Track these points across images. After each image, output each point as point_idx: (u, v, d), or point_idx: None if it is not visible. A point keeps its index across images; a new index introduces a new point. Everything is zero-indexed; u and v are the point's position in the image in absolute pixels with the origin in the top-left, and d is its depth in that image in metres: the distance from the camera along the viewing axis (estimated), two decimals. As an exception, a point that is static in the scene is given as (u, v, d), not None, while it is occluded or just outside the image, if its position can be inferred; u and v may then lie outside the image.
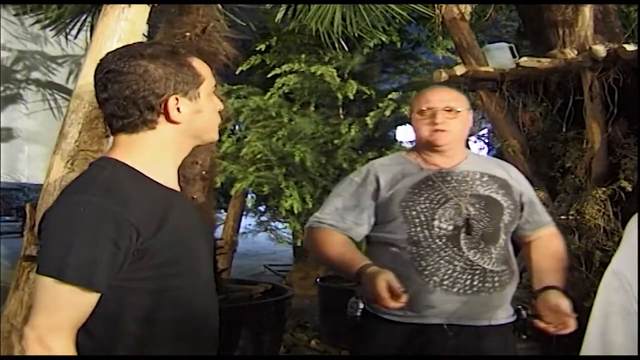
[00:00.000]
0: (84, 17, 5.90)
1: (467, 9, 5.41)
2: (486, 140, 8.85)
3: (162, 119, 1.82)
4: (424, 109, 2.81)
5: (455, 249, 2.67)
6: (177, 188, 1.94)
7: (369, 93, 6.43)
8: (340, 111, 6.66)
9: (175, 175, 1.95)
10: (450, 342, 2.66)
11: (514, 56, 5.23)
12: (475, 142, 9.05)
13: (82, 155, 2.64)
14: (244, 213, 8.02)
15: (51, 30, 6.07)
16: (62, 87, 7.64)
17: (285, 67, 6.43)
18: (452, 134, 2.78)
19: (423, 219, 2.70)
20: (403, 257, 2.68)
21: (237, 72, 6.61)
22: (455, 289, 2.63)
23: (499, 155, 5.32)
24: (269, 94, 6.60)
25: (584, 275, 4.81)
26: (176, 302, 1.84)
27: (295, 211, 6.63)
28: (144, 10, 2.73)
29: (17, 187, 16.92)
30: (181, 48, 1.90)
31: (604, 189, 4.77)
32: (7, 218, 16.54)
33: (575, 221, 4.82)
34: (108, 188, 1.73)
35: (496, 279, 2.68)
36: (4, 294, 4.78)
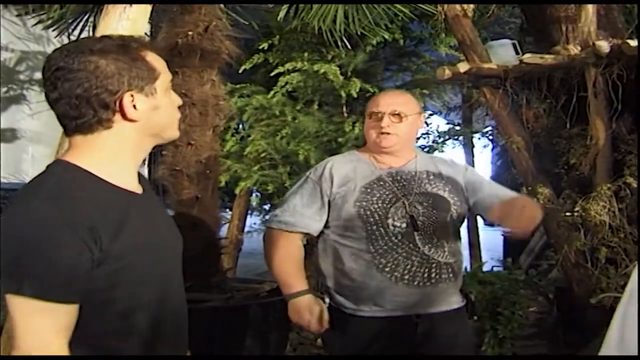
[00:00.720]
0: (86, 17, 5.90)
1: (469, 6, 5.40)
2: (490, 137, 8.89)
3: (118, 117, 1.72)
4: (373, 111, 3.02)
5: (411, 245, 2.87)
6: (139, 189, 1.85)
7: (372, 91, 6.40)
8: (344, 109, 6.64)
9: (136, 176, 1.85)
10: (418, 329, 2.91)
11: (517, 53, 5.23)
12: (479, 139, 9.10)
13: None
14: (249, 212, 8.01)
15: (53, 30, 6.08)
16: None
17: (288, 66, 6.41)
18: (397, 137, 2.97)
19: (377, 217, 2.88)
20: (363, 256, 2.88)
21: (239, 71, 6.60)
22: (415, 282, 2.85)
23: (504, 152, 5.32)
24: (272, 92, 6.58)
25: (589, 272, 4.81)
26: (143, 306, 1.76)
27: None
28: (145, 9, 2.72)
29: (21, 188, 16.96)
30: (133, 42, 1.78)
31: (609, 185, 4.77)
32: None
33: (581, 218, 4.83)
34: (57, 194, 1.63)
35: (450, 269, 2.93)
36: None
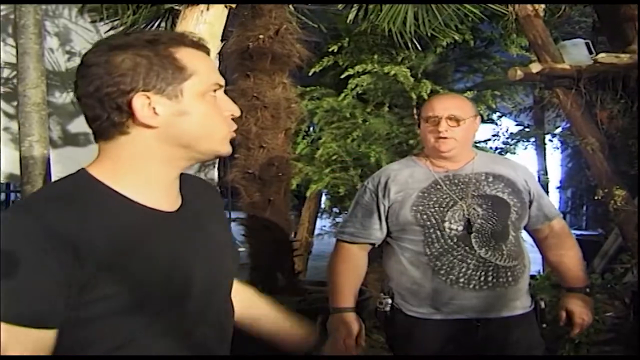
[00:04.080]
0: (157, 22, 5.98)
1: (540, 5, 5.34)
2: (560, 139, 8.77)
3: (133, 121, 1.46)
4: (430, 116, 3.00)
5: (467, 247, 2.86)
6: (171, 206, 1.56)
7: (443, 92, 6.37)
8: (415, 111, 6.60)
9: (167, 191, 1.56)
10: (479, 334, 2.89)
11: (590, 52, 5.16)
12: (551, 140, 8.98)
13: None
14: (319, 214, 8.04)
15: (126, 36, 6.16)
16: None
17: (358, 68, 6.40)
18: (454, 141, 2.96)
19: (434, 221, 2.89)
20: (420, 259, 2.91)
21: (309, 74, 6.63)
22: (471, 286, 2.85)
23: (575, 153, 5.25)
24: (342, 95, 6.57)
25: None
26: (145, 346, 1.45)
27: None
28: (222, 12, 2.77)
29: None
30: (166, 36, 1.50)
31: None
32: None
33: (658, 220, 4.74)
34: (56, 207, 1.39)
35: (509, 273, 2.89)
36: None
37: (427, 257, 2.88)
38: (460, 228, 2.87)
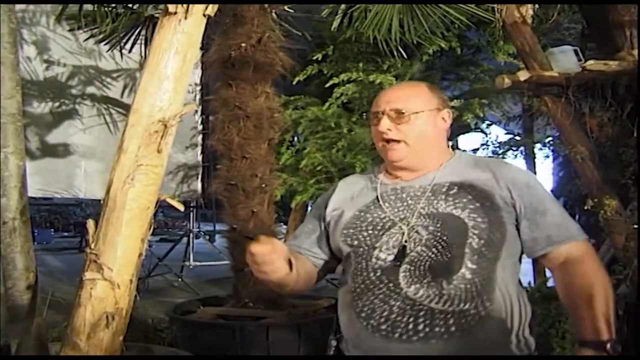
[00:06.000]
0: (137, 31, 5.93)
1: (528, 12, 5.27)
2: (551, 148, 8.70)
3: None
4: (372, 112, 2.34)
5: (390, 284, 2.12)
6: None
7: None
8: (401, 120, 6.54)
9: None
10: None
11: (579, 59, 5.08)
12: (541, 149, 8.92)
13: (142, 170, 2.59)
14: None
15: (105, 44, 6.11)
16: (117, 101, 7.69)
17: (343, 77, 6.36)
18: (404, 145, 2.27)
19: (365, 248, 2.21)
20: (347, 298, 2.23)
21: (293, 83, 6.57)
22: (396, 335, 2.08)
23: (566, 162, 5.18)
24: (327, 104, 6.53)
25: (656, 284, 4.65)
26: None
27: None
28: (200, 21, 2.67)
29: (75, 203, 17.18)
30: None
31: (678, 195, 4.61)
32: (65, 234, 16.83)
33: (650, 230, 4.66)
34: None
35: (451, 321, 2.05)
36: (60, 309, 4.79)
37: (351, 295, 2.19)
38: (391, 258, 2.14)
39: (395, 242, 2.16)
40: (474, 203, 2.17)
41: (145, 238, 2.70)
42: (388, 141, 2.27)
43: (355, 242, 2.23)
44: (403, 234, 2.16)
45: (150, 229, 2.69)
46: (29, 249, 3.21)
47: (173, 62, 2.61)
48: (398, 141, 2.26)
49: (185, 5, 2.58)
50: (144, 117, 2.58)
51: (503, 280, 2.14)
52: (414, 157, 2.28)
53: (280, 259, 2.12)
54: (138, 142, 2.59)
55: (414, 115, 2.25)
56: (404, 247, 2.13)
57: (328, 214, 2.38)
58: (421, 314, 2.06)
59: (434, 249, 2.11)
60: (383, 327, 2.08)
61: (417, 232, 2.15)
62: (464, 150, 2.98)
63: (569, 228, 2.24)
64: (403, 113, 2.24)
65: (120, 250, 2.63)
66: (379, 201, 2.28)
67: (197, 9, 2.63)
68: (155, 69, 2.61)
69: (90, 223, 2.71)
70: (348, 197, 2.38)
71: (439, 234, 2.13)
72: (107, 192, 2.68)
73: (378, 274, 2.14)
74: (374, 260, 2.16)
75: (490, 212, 2.16)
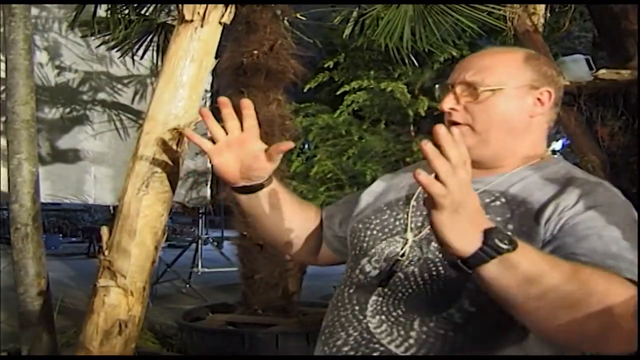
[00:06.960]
0: (150, 37, 5.95)
1: (539, 20, 5.27)
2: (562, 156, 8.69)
3: None
4: (445, 84, 1.74)
5: (357, 308, 1.61)
6: None
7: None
8: (412, 128, 6.53)
9: None
10: None
11: (590, 68, 5.08)
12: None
13: (157, 178, 2.58)
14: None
15: (117, 51, 6.13)
16: (128, 107, 7.71)
17: (354, 84, 6.34)
18: (468, 130, 1.66)
19: (359, 251, 1.74)
20: (329, 305, 1.76)
21: (304, 90, 6.57)
22: None
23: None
24: (338, 111, 6.51)
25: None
26: None
27: (366, 231, 6.50)
28: (217, 29, 2.67)
29: (83, 209, 17.19)
30: None
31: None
32: (74, 239, 16.84)
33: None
34: None
35: None
36: (69, 314, 4.80)
37: (330, 306, 1.74)
38: (375, 273, 1.63)
39: (390, 254, 1.63)
40: (512, 223, 1.53)
41: (159, 245, 2.70)
42: (452, 124, 1.67)
43: (355, 240, 1.76)
44: (404, 245, 1.62)
45: (163, 236, 2.68)
46: (40, 255, 3.22)
47: (189, 69, 2.60)
48: (462, 125, 1.66)
49: (201, 13, 2.58)
50: (159, 125, 2.57)
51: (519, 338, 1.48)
52: (483, 149, 1.65)
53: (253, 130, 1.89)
54: (153, 149, 2.59)
55: (489, 92, 1.64)
56: (396, 262, 1.60)
57: (359, 206, 1.87)
58: (375, 354, 1.53)
59: (425, 275, 1.56)
60: (334, 355, 1.61)
61: (420, 247, 1.60)
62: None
63: (617, 259, 1.35)
64: (475, 89, 1.64)
65: (134, 258, 2.63)
66: (401, 202, 1.74)
67: (214, 16, 2.63)
68: (171, 77, 2.61)
69: (105, 230, 2.70)
70: (381, 190, 1.87)
71: (441, 255, 1.55)
72: (121, 198, 2.68)
73: (352, 290, 1.66)
74: (357, 271, 1.68)
75: (525, 234, 1.47)
